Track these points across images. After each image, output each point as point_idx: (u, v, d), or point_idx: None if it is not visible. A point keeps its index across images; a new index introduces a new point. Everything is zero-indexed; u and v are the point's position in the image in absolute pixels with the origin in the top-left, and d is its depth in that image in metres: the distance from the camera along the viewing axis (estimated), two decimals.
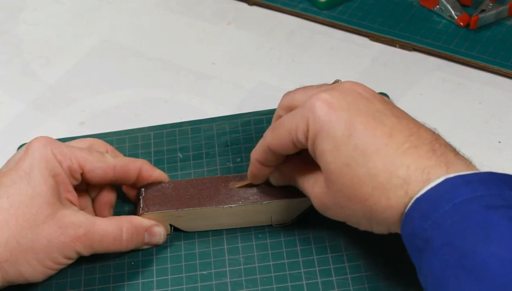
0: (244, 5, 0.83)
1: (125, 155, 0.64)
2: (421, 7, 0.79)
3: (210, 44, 0.80)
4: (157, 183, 0.61)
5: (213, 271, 0.58)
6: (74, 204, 0.57)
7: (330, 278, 0.56)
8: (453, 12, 0.76)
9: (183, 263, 0.59)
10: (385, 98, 0.53)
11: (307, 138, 0.51)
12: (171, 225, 0.60)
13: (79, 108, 0.74)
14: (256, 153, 0.56)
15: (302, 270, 0.57)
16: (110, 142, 0.64)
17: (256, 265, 0.58)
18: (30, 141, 0.57)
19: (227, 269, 0.58)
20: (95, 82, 0.77)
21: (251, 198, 0.59)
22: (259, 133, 0.66)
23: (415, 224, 0.46)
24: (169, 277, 0.58)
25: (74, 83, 0.77)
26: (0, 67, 0.80)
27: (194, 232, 0.60)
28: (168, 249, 0.60)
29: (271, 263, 0.58)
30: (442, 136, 0.50)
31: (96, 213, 0.61)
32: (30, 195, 0.54)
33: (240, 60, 0.77)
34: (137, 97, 0.75)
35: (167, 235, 0.60)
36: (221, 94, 0.74)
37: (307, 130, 0.51)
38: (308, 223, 0.60)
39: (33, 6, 0.87)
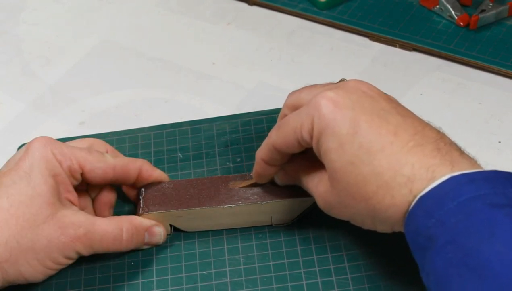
0: (244, 5, 0.83)
1: (125, 155, 0.64)
2: (421, 7, 0.79)
3: (210, 44, 0.80)
4: (157, 183, 0.61)
5: (213, 271, 0.58)
6: (74, 204, 0.57)
7: (330, 278, 0.56)
8: (453, 12, 0.76)
9: (183, 263, 0.59)
10: (390, 96, 0.53)
11: (312, 137, 0.51)
12: (171, 225, 0.60)
13: (79, 108, 0.74)
14: (261, 152, 0.56)
15: (302, 270, 0.57)
16: (110, 142, 0.64)
17: (256, 265, 0.58)
18: (30, 142, 0.57)
19: (227, 269, 0.58)
20: (95, 82, 0.77)
21: (251, 198, 0.59)
22: (259, 133, 0.66)
23: (418, 221, 0.46)
24: (169, 277, 0.58)
25: (74, 83, 0.77)
26: (0, 67, 0.80)
27: (194, 232, 0.60)
28: (168, 249, 0.60)
29: (271, 263, 0.58)
30: (447, 135, 0.50)
31: (96, 213, 0.61)
32: (30, 195, 0.54)
33: (240, 60, 0.77)
34: (137, 97, 0.75)
35: (167, 235, 0.60)
36: (221, 94, 0.74)
37: (312, 128, 0.51)
38: (308, 223, 0.60)
39: (33, 6, 0.87)
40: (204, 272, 0.58)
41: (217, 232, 0.60)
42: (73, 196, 0.57)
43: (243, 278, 0.57)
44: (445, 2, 0.76)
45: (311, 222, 0.59)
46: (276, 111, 0.67)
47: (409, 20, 0.77)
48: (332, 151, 0.50)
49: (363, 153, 0.49)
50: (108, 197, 0.61)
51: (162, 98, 0.74)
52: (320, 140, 0.51)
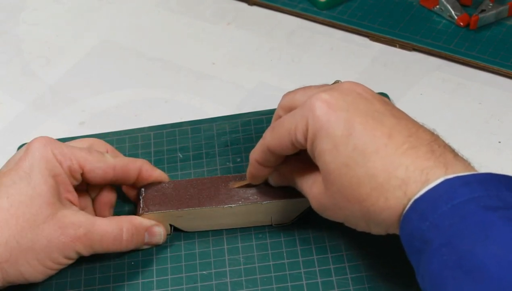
0: (244, 5, 0.83)
1: (125, 155, 0.64)
2: (421, 7, 0.79)
3: (210, 44, 0.80)
4: (157, 183, 0.61)
5: (213, 271, 0.58)
6: (74, 204, 0.57)
7: (330, 278, 0.56)
8: (453, 12, 0.76)
9: (183, 263, 0.59)
10: (385, 98, 0.53)
11: (306, 139, 0.51)
12: (171, 225, 0.60)
13: (79, 108, 0.74)
14: (255, 153, 0.56)
15: (302, 270, 0.57)
16: (110, 142, 0.64)
17: (256, 265, 0.58)
18: (30, 142, 0.57)
19: (227, 269, 0.58)
20: (95, 82, 0.77)
21: (251, 198, 0.59)
22: (259, 133, 0.66)
23: (413, 225, 0.46)
24: (169, 277, 0.58)
25: (74, 83, 0.77)
26: (0, 67, 0.80)
27: (194, 232, 0.60)
28: (168, 249, 0.60)
29: (271, 263, 0.58)
30: (441, 137, 0.50)
31: (96, 213, 0.61)
32: (30, 195, 0.54)
33: (240, 60, 0.77)
34: (137, 97, 0.75)
35: (167, 235, 0.60)
36: (221, 94, 0.74)
37: (307, 130, 0.51)
38: (308, 223, 0.60)
39: (33, 6, 0.87)
40: (204, 272, 0.58)
41: (217, 232, 0.60)
42: (73, 196, 0.57)
43: (243, 278, 0.57)
44: (445, 2, 0.76)
45: (311, 222, 0.59)
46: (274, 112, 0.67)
47: (409, 20, 0.77)
48: (326, 153, 0.50)
49: (358, 155, 0.49)
50: (108, 197, 0.61)
51: (162, 98, 0.74)
52: (314, 142, 0.51)
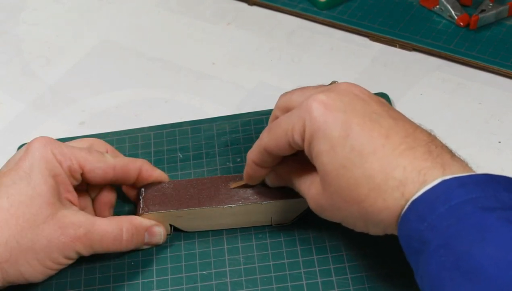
0: (244, 5, 0.83)
1: (125, 155, 0.64)
2: (421, 7, 0.79)
3: (210, 44, 0.80)
4: (157, 183, 0.61)
5: (213, 271, 0.58)
6: (74, 204, 0.57)
7: (330, 278, 0.56)
8: (453, 12, 0.76)
9: (183, 263, 0.59)
10: (382, 99, 0.53)
11: (303, 140, 0.51)
12: (171, 225, 0.60)
13: (79, 108, 0.74)
14: (252, 153, 0.56)
15: (302, 270, 0.57)
16: (110, 142, 0.64)
17: (256, 265, 0.58)
18: (30, 142, 0.57)
19: (227, 269, 0.58)
20: (95, 82, 0.77)
21: (251, 198, 0.59)
22: (259, 134, 0.66)
23: (411, 225, 0.46)
24: (169, 277, 0.58)
25: (74, 83, 0.77)
26: (0, 67, 0.80)
27: (194, 232, 0.60)
28: (168, 249, 0.60)
29: (271, 263, 0.58)
30: (438, 138, 0.50)
31: (96, 213, 0.61)
32: (30, 195, 0.54)
33: (240, 60, 0.77)
34: (137, 97, 0.75)
35: (167, 235, 0.60)
36: (221, 94, 0.74)
37: (304, 131, 0.51)
38: (308, 223, 0.60)
39: (33, 6, 0.87)
40: (204, 272, 0.58)
41: (217, 232, 0.60)
42: (73, 196, 0.57)
43: (243, 278, 0.57)
44: (445, 2, 0.76)
45: (311, 222, 0.59)
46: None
47: (409, 20, 0.77)
48: (323, 154, 0.50)
49: (355, 156, 0.49)
50: (108, 197, 0.61)
51: (162, 98, 0.74)
52: (311, 143, 0.51)
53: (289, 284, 0.56)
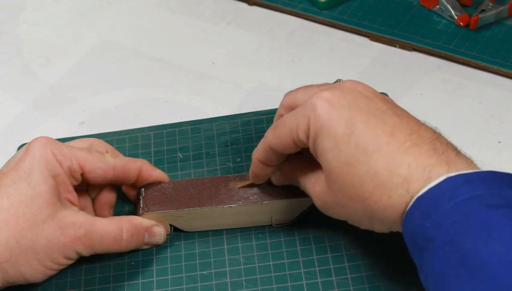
0: (244, 5, 0.83)
1: (125, 155, 0.64)
2: (421, 7, 0.79)
3: (210, 44, 0.80)
4: (157, 183, 0.61)
5: (213, 271, 0.58)
6: (74, 204, 0.57)
7: (330, 278, 0.56)
8: (453, 12, 0.76)
9: (183, 263, 0.59)
10: (386, 97, 0.53)
11: (308, 137, 0.51)
12: (171, 225, 0.60)
13: (79, 108, 0.74)
14: (258, 152, 0.56)
15: (302, 270, 0.57)
16: (110, 142, 0.64)
17: (256, 265, 0.58)
18: (30, 142, 0.57)
19: (227, 269, 0.58)
20: (95, 82, 0.77)
21: (251, 198, 0.59)
22: (259, 133, 0.66)
23: (416, 222, 0.46)
24: (169, 277, 0.58)
25: (74, 83, 0.77)
26: (0, 67, 0.80)
27: (194, 232, 0.60)
28: (168, 249, 0.60)
29: (271, 263, 0.58)
30: (443, 135, 0.50)
31: (96, 213, 0.61)
32: (30, 195, 0.54)
33: (240, 60, 0.77)
34: (137, 97, 0.75)
35: (167, 235, 0.60)
36: (221, 94, 0.74)
37: (308, 129, 0.51)
38: (308, 223, 0.60)
39: (33, 6, 0.87)
40: (204, 272, 0.58)
41: (217, 232, 0.60)
42: (73, 196, 0.57)
43: (243, 278, 0.57)
44: (445, 2, 0.76)
45: (311, 222, 0.59)
46: (276, 111, 0.67)
47: (409, 20, 0.77)
48: (328, 151, 0.50)
49: (360, 153, 0.49)
50: (108, 197, 0.61)
51: (162, 98, 0.74)
52: (316, 141, 0.51)
53: (289, 284, 0.56)
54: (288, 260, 0.58)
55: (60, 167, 0.56)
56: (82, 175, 0.57)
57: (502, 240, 0.42)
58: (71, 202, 0.57)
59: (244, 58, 0.78)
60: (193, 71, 0.77)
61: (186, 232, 0.60)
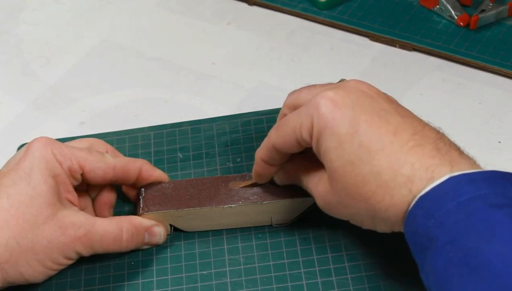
0: (244, 5, 0.83)
1: (125, 155, 0.64)
2: (421, 7, 0.79)
3: (210, 44, 0.80)
4: (157, 183, 0.61)
5: (213, 271, 0.58)
6: (74, 204, 0.57)
7: (330, 278, 0.56)
8: (453, 12, 0.76)
9: (183, 263, 0.59)
10: (390, 97, 0.53)
11: (311, 136, 0.51)
12: (171, 225, 0.60)
13: (79, 108, 0.74)
14: (261, 151, 0.56)
15: (302, 270, 0.57)
16: (110, 142, 0.64)
17: (256, 265, 0.58)
18: (30, 142, 0.57)
19: (227, 269, 0.58)
20: (95, 82, 0.77)
21: (251, 198, 0.59)
22: (259, 133, 0.66)
23: (418, 222, 0.46)
24: (169, 277, 0.58)
25: (74, 83, 0.77)
26: (0, 67, 0.80)
27: (194, 232, 0.60)
28: (168, 249, 0.60)
29: (271, 263, 0.58)
30: (446, 135, 0.50)
31: (96, 213, 0.61)
32: (30, 195, 0.54)
33: (240, 60, 0.77)
34: (137, 97, 0.75)
35: (167, 235, 0.60)
36: (221, 94, 0.74)
37: (312, 128, 0.51)
38: (308, 223, 0.60)
39: (33, 6, 0.87)
40: (204, 272, 0.58)
41: (217, 232, 0.60)
42: (73, 196, 0.57)
43: (243, 278, 0.57)
44: (445, 2, 0.76)
45: (311, 222, 0.59)
46: (276, 111, 0.66)
47: (409, 20, 0.77)
48: (331, 150, 0.50)
49: (363, 152, 0.49)
50: (108, 197, 0.61)
51: (162, 98, 0.74)
52: (319, 140, 0.51)
53: (289, 284, 0.56)
54: (288, 260, 0.58)
55: (60, 167, 0.56)
56: (82, 175, 0.57)
57: (505, 239, 0.42)
58: (71, 202, 0.57)
59: (244, 58, 0.78)
60: (193, 71, 0.77)
61: (186, 232, 0.60)
